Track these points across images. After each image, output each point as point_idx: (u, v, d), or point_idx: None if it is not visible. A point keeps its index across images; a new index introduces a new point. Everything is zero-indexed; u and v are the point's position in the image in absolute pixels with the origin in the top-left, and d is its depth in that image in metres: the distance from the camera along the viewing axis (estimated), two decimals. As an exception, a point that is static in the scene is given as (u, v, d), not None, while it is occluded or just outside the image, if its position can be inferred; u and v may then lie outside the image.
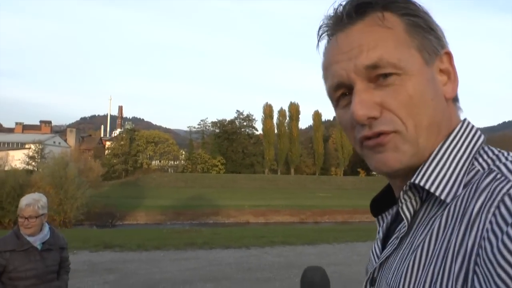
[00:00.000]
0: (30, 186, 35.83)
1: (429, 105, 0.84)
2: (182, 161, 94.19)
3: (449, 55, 0.90)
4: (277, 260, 11.91)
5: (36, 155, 71.61)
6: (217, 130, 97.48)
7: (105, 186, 62.48)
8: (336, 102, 0.92)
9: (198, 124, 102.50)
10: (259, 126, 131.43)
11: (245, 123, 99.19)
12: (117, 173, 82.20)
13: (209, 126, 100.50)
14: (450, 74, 0.90)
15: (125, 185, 70.51)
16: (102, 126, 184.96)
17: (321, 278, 1.26)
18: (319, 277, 1.25)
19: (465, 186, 0.80)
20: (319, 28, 0.95)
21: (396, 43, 0.84)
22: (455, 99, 0.92)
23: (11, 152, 72.96)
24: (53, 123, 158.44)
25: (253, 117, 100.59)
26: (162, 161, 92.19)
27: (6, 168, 47.42)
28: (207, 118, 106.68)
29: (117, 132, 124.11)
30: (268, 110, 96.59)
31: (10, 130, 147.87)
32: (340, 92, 0.89)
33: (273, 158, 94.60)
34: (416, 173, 0.84)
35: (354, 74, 0.85)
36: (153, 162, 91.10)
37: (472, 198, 0.75)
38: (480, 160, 0.83)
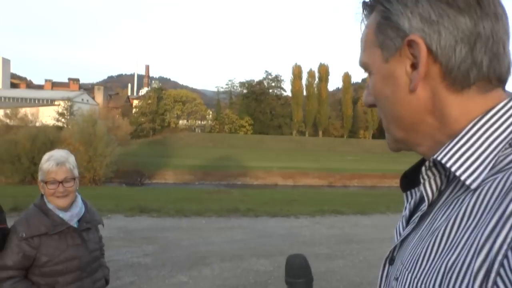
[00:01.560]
0: (60, 142, 35.36)
1: (386, 101, 0.87)
2: (209, 121, 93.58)
3: (414, 41, 0.80)
4: (332, 232, 10.67)
5: (65, 111, 71.91)
6: (245, 91, 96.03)
7: (133, 145, 62.24)
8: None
9: (226, 84, 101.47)
10: (287, 87, 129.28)
11: (273, 84, 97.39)
12: (145, 132, 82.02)
13: (237, 86, 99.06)
14: (417, 63, 0.81)
15: (152, 144, 70.21)
16: (129, 85, 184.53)
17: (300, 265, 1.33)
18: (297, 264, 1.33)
19: (498, 172, 0.73)
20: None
21: (366, 44, 0.90)
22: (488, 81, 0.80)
23: (41, 109, 73.36)
24: (81, 81, 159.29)
25: (282, 78, 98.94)
26: (189, 121, 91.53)
27: (37, 124, 47.44)
28: (235, 78, 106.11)
29: (144, 91, 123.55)
30: (297, 71, 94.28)
31: (40, 87, 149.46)
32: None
33: (301, 119, 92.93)
34: (441, 149, 0.80)
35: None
36: (181, 122, 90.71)
37: (510, 190, 0.68)
38: None
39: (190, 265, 7.71)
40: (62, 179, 2.84)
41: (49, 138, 35.46)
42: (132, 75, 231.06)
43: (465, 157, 0.77)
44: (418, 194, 0.97)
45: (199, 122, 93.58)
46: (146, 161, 50.90)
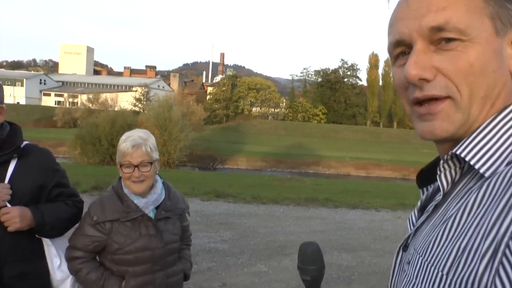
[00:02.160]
0: (137, 126, 36.21)
1: (490, 76, 0.81)
2: (283, 109, 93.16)
3: None
4: (416, 227, 9.95)
5: (142, 97, 74.30)
6: (320, 79, 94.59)
7: (207, 130, 63.11)
8: (394, 59, 0.92)
9: (301, 73, 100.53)
10: (363, 76, 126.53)
11: (349, 73, 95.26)
12: (218, 118, 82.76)
13: (311, 74, 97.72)
14: None
15: (225, 130, 70.84)
16: (204, 72, 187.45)
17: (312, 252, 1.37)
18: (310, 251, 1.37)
19: (509, 163, 0.77)
20: None
21: (468, 7, 0.81)
22: None
23: (120, 94, 76.43)
24: (158, 68, 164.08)
25: (358, 67, 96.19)
26: (263, 108, 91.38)
27: (116, 109, 49.20)
28: (310, 66, 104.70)
29: (218, 78, 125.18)
30: (373, 59, 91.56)
31: (119, 74, 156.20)
32: (400, 49, 0.89)
33: (376, 110, 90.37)
34: (460, 144, 0.83)
35: (417, 33, 0.83)
36: (254, 109, 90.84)
37: None
38: None
39: (269, 254, 7.37)
40: (137, 163, 2.55)
41: (127, 122, 36.42)
42: (207, 63, 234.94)
43: (483, 151, 0.80)
44: (431, 188, 1.02)
45: (273, 109, 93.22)
46: (219, 147, 51.40)
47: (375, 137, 76.70)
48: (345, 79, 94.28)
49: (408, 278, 0.86)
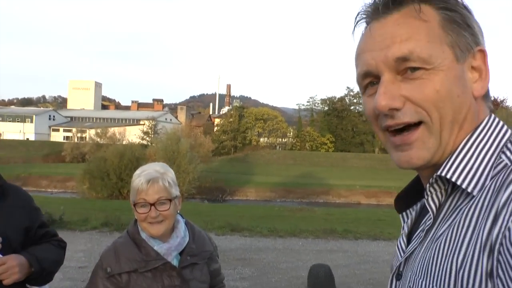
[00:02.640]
0: (145, 159, 36.04)
1: (455, 101, 0.85)
2: (290, 138, 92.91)
3: (483, 52, 0.90)
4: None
5: (150, 130, 74.57)
6: (326, 108, 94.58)
7: (215, 162, 62.79)
8: (364, 89, 0.95)
9: (307, 102, 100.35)
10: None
11: (355, 100, 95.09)
12: (226, 149, 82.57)
13: (318, 103, 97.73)
14: (482, 72, 0.89)
15: (234, 161, 70.47)
16: (211, 104, 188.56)
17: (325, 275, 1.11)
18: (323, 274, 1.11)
19: (492, 178, 0.82)
20: (357, 15, 0.95)
21: (429, 37, 0.85)
22: (485, 97, 0.91)
23: (128, 128, 76.75)
24: (165, 101, 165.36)
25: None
26: (270, 138, 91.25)
27: (124, 142, 49.16)
28: (316, 95, 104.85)
29: (225, 109, 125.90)
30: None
31: (127, 108, 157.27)
32: (368, 80, 0.92)
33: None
34: (443, 166, 0.86)
35: (383, 64, 0.86)
36: (262, 139, 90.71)
37: (500, 190, 0.77)
38: (508, 153, 0.84)
39: (293, 292, 6.91)
40: (154, 201, 2.17)
41: (135, 155, 36.19)
42: (213, 95, 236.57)
43: (466, 170, 0.84)
44: (413, 213, 1.03)
45: (280, 139, 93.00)
46: (227, 178, 50.97)
47: (384, 164, 75.93)
48: (352, 107, 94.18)
49: None
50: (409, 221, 1.02)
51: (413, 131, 0.86)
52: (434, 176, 0.87)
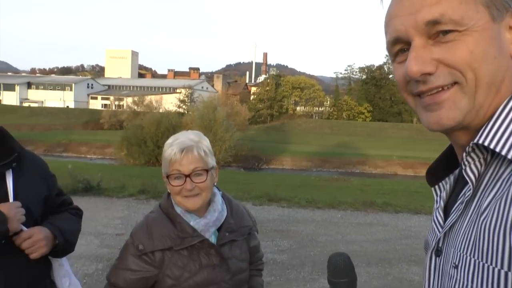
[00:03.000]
0: (182, 127, 36.19)
1: (492, 62, 0.81)
2: (327, 107, 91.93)
3: None
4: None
5: (186, 99, 74.78)
6: (364, 76, 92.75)
7: (251, 130, 62.69)
8: (393, 57, 0.92)
9: (345, 70, 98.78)
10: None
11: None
12: (263, 118, 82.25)
13: (356, 71, 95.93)
14: None
15: (270, 130, 70.27)
16: (247, 73, 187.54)
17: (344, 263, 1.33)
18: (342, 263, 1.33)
19: None
20: None
21: None
22: None
23: (164, 96, 77.13)
24: (201, 70, 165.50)
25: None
26: (307, 107, 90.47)
27: (161, 110, 49.49)
28: (354, 63, 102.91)
29: (261, 78, 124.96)
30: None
31: (163, 76, 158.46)
32: (398, 47, 0.89)
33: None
34: (480, 133, 0.82)
35: (413, 29, 0.83)
36: (298, 108, 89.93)
37: None
38: None
39: (333, 267, 6.68)
40: (189, 172, 1.96)
41: (172, 123, 36.35)
42: (249, 63, 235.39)
43: (506, 135, 0.79)
44: (447, 186, 0.99)
45: (317, 108, 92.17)
46: (263, 147, 50.91)
47: (422, 134, 74.35)
48: (390, 76, 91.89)
49: (461, 283, 0.81)
50: (444, 194, 0.98)
51: (445, 91, 0.82)
52: (471, 144, 0.83)
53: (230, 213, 2.14)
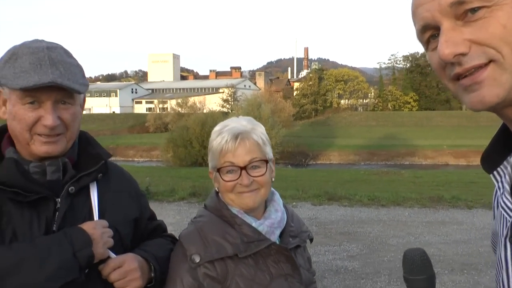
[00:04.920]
0: (227, 126, 36.11)
1: None
2: (372, 99, 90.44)
3: None
4: None
5: (229, 98, 75.12)
6: (409, 65, 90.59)
7: (296, 126, 62.10)
8: (426, 45, 0.91)
9: (388, 60, 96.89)
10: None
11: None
12: (307, 113, 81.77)
13: (400, 60, 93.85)
14: None
15: (315, 125, 69.59)
16: (289, 68, 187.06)
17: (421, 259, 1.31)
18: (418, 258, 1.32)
19: None
20: None
21: None
22: None
23: (207, 97, 77.65)
24: (242, 69, 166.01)
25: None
26: (351, 100, 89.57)
27: (205, 111, 49.59)
28: (397, 52, 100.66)
29: (303, 73, 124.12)
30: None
31: (205, 77, 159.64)
32: (428, 34, 0.88)
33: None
34: None
35: (439, 13, 0.81)
36: (342, 101, 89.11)
37: None
38: None
39: (412, 274, 5.93)
40: (245, 163, 1.61)
41: (216, 122, 35.50)
42: (291, 59, 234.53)
43: None
44: (509, 168, 0.93)
45: (362, 100, 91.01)
46: (309, 142, 50.25)
47: (474, 121, 71.85)
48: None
49: None
50: (507, 177, 0.92)
51: (483, 69, 0.79)
52: None
53: (289, 217, 1.78)
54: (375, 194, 11.03)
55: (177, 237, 1.75)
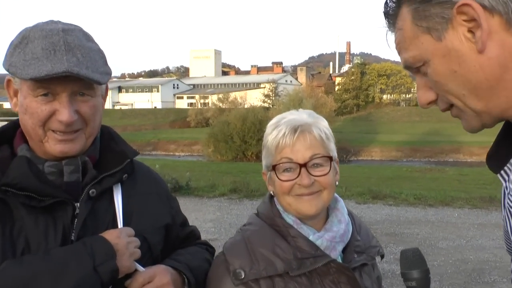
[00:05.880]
0: (268, 121, 35.74)
1: (455, 76, 0.85)
2: (415, 94, 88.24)
3: (467, 6, 0.81)
4: None
5: (270, 93, 75.04)
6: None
7: (338, 121, 61.41)
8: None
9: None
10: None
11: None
12: (349, 108, 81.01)
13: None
14: (478, 23, 0.81)
15: (357, 120, 68.76)
16: (331, 63, 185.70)
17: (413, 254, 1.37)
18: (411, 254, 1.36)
19: None
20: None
21: (408, 40, 0.90)
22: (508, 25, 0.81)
23: (249, 92, 77.73)
24: (284, 64, 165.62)
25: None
26: (394, 95, 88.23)
27: (246, 106, 49.61)
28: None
29: (345, 68, 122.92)
30: None
31: (247, 72, 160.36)
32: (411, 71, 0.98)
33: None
34: None
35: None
36: (385, 96, 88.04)
37: None
38: None
39: (465, 282, 5.56)
40: (305, 160, 1.39)
41: (258, 118, 36.08)
42: (332, 54, 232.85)
43: None
44: None
45: (405, 95, 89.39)
46: (351, 138, 49.63)
47: (524, 116, 69.58)
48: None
49: None
50: None
51: (452, 109, 0.92)
52: None
53: (355, 229, 1.54)
54: (421, 193, 10.64)
55: (213, 245, 1.54)
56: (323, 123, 1.49)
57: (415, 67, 0.89)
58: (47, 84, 1.21)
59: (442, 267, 6.02)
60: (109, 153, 1.43)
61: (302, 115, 1.47)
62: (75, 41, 1.24)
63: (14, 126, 1.39)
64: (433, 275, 5.23)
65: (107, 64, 1.35)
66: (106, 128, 1.51)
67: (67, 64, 1.19)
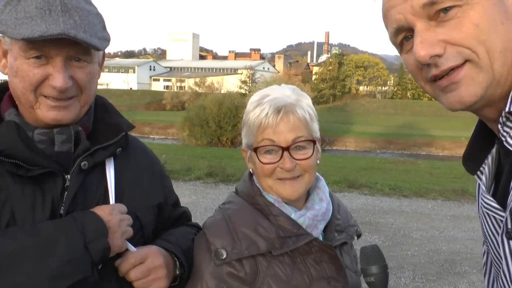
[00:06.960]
0: (244, 107, 35.70)
1: (501, 29, 0.78)
2: (391, 86, 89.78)
3: None
4: None
5: (247, 79, 74.97)
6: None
7: (314, 111, 61.85)
8: (400, 47, 0.91)
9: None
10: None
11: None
12: (325, 98, 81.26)
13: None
14: None
15: (333, 110, 69.17)
16: (309, 52, 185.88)
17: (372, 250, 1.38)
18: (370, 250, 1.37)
19: None
20: None
21: None
22: None
23: (226, 77, 77.39)
24: (262, 51, 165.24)
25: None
26: (370, 87, 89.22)
27: (222, 91, 49.46)
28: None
29: (323, 58, 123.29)
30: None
31: (224, 58, 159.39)
32: (402, 36, 0.87)
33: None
34: (509, 101, 0.81)
35: (412, 15, 0.81)
36: (361, 88, 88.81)
37: None
38: None
39: (437, 272, 5.67)
40: (288, 143, 1.37)
41: (234, 103, 35.98)
42: (311, 43, 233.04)
43: None
44: (486, 168, 0.94)
45: (381, 87, 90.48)
46: (326, 127, 49.78)
47: (494, 114, 71.18)
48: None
49: None
50: (489, 174, 0.93)
51: (459, 69, 0.80)
52: (503, 114, 0.80)
53: (334, 208, 1.53)
54: (396, 184, 10.79)
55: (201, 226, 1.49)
56: (307, 101, 1.45)
57: (439, 9, 0.77)
58: (41, 46, 1.13)
59: (415, 257, 6.11)
60: (103, 125, 1.35)
61: (285, 92, 1.43)
62: (72, 2, 1.15)
63: (1, 89, 1.29)
64: (406, 265, 5.34)
65: (106, 30, 1.26)
66: (100, 99, 1.42)
67: (63, 26, 1.10)
